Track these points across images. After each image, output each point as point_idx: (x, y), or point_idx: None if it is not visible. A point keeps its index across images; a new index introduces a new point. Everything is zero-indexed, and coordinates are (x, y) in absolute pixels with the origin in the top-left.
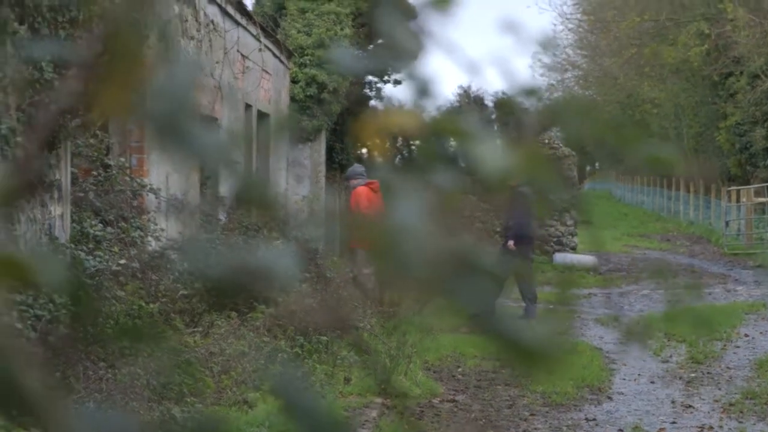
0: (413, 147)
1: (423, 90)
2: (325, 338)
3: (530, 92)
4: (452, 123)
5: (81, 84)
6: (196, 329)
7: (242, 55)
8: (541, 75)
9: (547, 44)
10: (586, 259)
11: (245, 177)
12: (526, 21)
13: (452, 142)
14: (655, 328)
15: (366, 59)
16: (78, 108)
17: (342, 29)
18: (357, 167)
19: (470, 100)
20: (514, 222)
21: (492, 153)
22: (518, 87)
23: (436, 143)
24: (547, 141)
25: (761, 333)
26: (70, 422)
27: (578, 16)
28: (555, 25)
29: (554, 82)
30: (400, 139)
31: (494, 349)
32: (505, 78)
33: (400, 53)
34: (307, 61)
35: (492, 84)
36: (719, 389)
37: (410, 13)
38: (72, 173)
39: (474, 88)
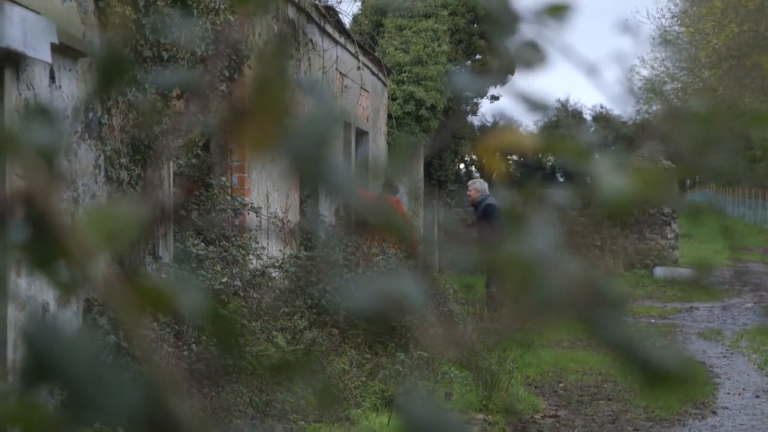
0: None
1: (536, 106)
2: (426, 354)
3: (653, 90)
4: (570, 141)
5: (221, 116)
6: (297, 347)
7: (341, 73)
8: (640, 88)
9: (670, 41)
10: (688, 272)
11: (378, 204)
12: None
13: (570, 161)
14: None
15: (479, 76)
16: (180, 130)
17: (439, 46)
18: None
19: (568, 114)
20: (481, 235)
21: (610, 171)
22: (638, 89)
23: (558, 162)
24: (646, 154)
25: None
26: None
27: (677, 28)
28: (654, 38)
29: (653, 95)
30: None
31: (627, 370)
32: (623, 82)
33: (512, 67)
34: (405, 78)
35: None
36: None
37: (520, 25)
38: (174, 193)
39: (572, 102)
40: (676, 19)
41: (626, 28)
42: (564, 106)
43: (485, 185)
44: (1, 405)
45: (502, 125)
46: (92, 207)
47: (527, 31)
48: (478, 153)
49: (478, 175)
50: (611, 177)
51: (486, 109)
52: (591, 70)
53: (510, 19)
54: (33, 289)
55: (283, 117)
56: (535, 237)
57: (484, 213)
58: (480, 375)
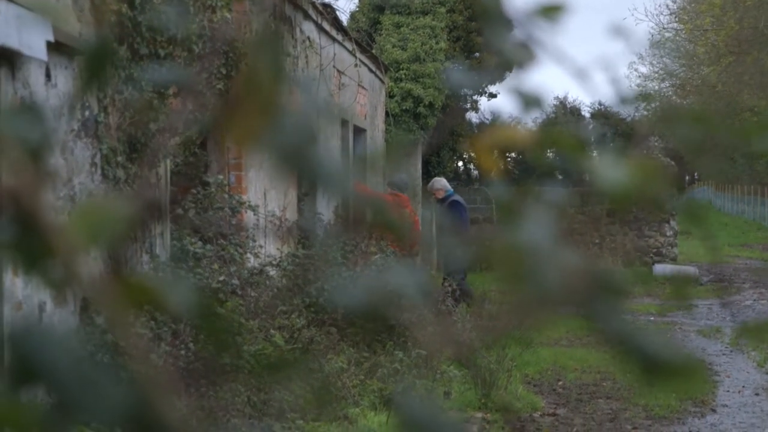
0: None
1: (530, 102)
2: (424, 353)
3: (645, 97)
4: (566, 136)
5: (214, 111)
6: (295, 345)
7: (338, 70)
8: (638, 85)
9: (659, 45)
10: (687, 269)
11: (375, 201)
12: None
13: (566, 157)
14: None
15: (475, 74)
16: (176, 127)
17: (437, 43)
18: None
19: (566, 111)
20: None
21: (609, 166)
22: (628, 95)
23: (555, 159)
24: (645, 151)
25: None
26: None
27: (675, 24)
28: (652, 35)
29: (652, 92)
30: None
31: (627, 364)
32: (612, 86)
33: (510, 65)
34: (403, 76)
35: (590, 94)
36: None
37: (515, 24)
38: (171, 191)
39: (570, 99)
40: (674, 15)
41: (618, 31)
42: (562, 103)
43: (447, 183)
44: None
45: (498, 122)
46: (79, 204)
47: (519, 31)
48: (474, 150)
49: (477, 173)
50: (610, 170)
51: (484, 106)
52: (581, 74)
53: (504, 18)
54: (29, 289)
55: (271, 111)
56: (532, 230)
57: (450, 209)
58: (478, 373)
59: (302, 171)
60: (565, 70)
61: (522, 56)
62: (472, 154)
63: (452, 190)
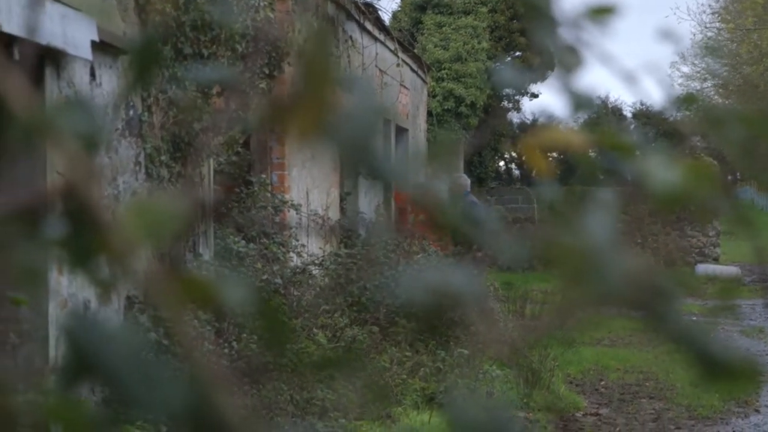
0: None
1: (581, 103)
2: (466, 352)
3: (691, 99)
4: (618, 137)
5: (270, 106)
6: (338, 344)
7: (380, 70)
8: (680, 84)
9: (712, 50)
10: (729, 270)
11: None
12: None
13: (615, 157)
14: None
15: (524, 73)
16: (220, 126)
17: (479, 43)
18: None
19: (609, 111)
20: None
21: (660, 166)
22: (676, 97)
23: (601, 159)
24: (688, 151)
25: None
26: None
27: (717, 24)
28: (694, 34)
29: (694, 92)
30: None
31: (688, 364)
32: (659, 88)
33: (552, 65)
34: (445, 75)
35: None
36: None
37: (562, 25)
38: (214, 190)
39: (612, 99)
40: (716, 14)
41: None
42: (604, 103)
43: (468, 181)
44: (43, 402)
45: (544, 122)
46: (133, 201)
47: (567, 32)
48: (521, 150)
49: (518, 173)
50: (660, 171)
51: (526, 106)
52: (629, 78)
53: (551, 19)
54: (74, 287)
55: (331, 105)
56: (592, 229)
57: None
58: (521, 373)
59: (367, 164)
60: (612, 72)
61: (569, 59)
62: (522, 154)
63: (468, 189)
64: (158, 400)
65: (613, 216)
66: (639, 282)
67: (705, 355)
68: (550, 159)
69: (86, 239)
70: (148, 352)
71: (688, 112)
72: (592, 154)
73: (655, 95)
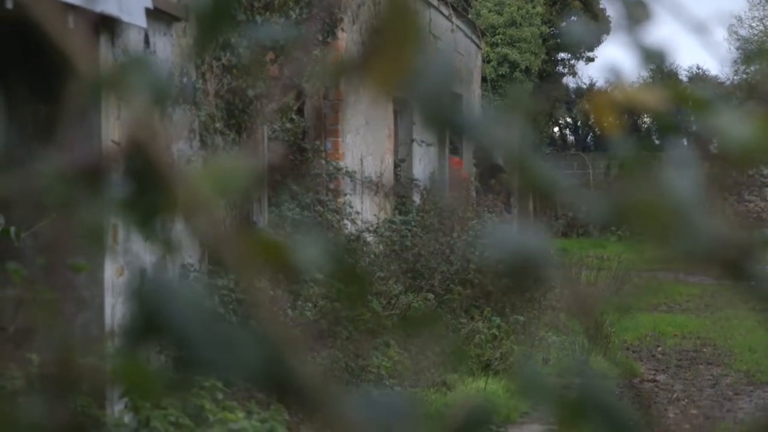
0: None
1: (652, 57)
2: (522, 318)
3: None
4: (694, 94)
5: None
6: (393, 311)
7: (434, 35)
8: (737, 48)
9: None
10: None
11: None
12: None
13: (690, 116)
14: None
15: (593, 30)
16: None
17: (534, 7)
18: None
19: (663, 75)
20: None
21: (736, 124)
22: (751, 52)
23: (675, 117)
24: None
25: None
26: (349, 409)
27: None
28: None
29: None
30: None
31: None
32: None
33: (626, 19)
34: (499, 41)
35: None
36: None
37: None
38: (268, 157)
39: (667, 63)
40: None
41: None
42: (659, 66)
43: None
44: (110, 363)
45: (616, 81)
46: (207, 161)
47: None
48: (592, 109)
49: (573, 138)
50: (735, 128)
51: (582, 71)
52: (699, 28)
53: None
54: (131, 255)
55: (414, 54)
56: (674, 188)
57: (492, 170)
58: (594, 338)
59: (449, 119)
60: (683, 25)
61: (637, 13)
62: (590, 113)
63: None
64: (234, 361)
65: (697, 174)
66: (727, 241)
67: None
68: (621, 118)
69: (153, 198)
70: (216, 315)
71: (751, 66)
72: (665, 111)
73: (724, 47)
